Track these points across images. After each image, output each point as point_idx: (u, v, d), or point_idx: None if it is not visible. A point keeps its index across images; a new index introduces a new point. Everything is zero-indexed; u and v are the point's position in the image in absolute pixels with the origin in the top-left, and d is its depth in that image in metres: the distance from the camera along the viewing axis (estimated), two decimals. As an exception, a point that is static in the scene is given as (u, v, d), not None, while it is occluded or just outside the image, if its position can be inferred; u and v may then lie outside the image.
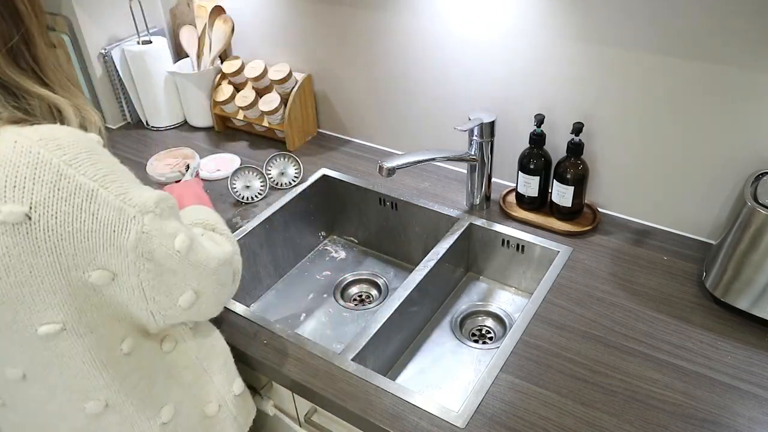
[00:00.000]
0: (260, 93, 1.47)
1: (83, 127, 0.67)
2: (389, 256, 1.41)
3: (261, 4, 1.45)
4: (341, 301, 1.29)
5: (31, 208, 0.57)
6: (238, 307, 1.04)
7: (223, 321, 1.01)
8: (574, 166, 1.12)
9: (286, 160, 1.38)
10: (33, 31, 0.64)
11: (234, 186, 1.31)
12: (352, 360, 0.94)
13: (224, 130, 1.60)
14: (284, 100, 1.44)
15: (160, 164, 1.42)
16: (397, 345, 1.10)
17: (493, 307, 1.23)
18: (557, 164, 1.14)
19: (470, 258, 1.28)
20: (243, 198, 1.31)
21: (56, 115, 0.65)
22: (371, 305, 1.29)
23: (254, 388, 1.04)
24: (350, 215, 1.42)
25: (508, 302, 1.24)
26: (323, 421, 0.99)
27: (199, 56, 1.54)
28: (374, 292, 1.33)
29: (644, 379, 0.88)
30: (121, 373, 0.72)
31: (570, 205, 1.15)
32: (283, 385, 0.97)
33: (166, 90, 1.56)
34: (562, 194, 1.15)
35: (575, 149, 1.11)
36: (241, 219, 1.26)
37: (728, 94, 0.98)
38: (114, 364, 0.71)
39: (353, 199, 1.38)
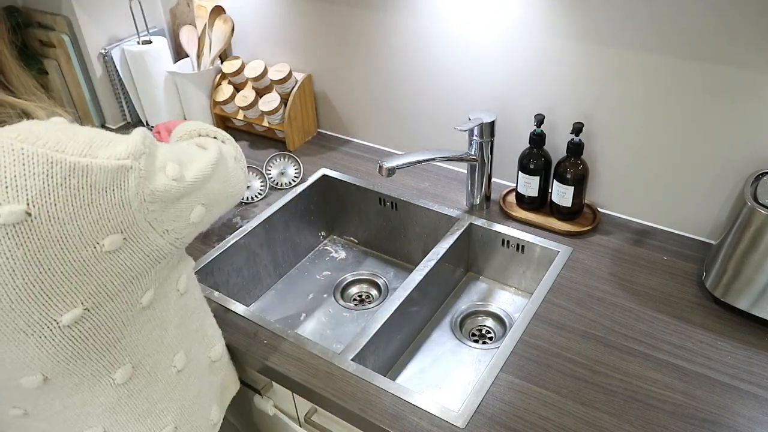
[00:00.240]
0: (260, 93, 1.47)
1: None
2: (389, 256, 1.41)
3: (261, 4, 1.45)
4: (341, 301, 1.29)
5: (28, 204, 0.57)
6: (238, 307, 1.04)
7: (223, 321, 1.01)
8: (574, 166, 1.12)
9: (286, 160, 1.38)
10: None
11: (234, 186, 1.31)
12: (352, 360, 0.94)
13: (224, 130, 1.59)
14: (284, 100, 1.44)
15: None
16: (397, 345, 1.10)
17: (493, 307, 1.23)
18: (557, 164, 1.14)
19: (470, 258, 1.28)
20: (243, 198, 1.31)
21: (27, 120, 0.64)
22: (371, 305, 1.29)
23: (254, 388, 1.04)
24: (350, 215, 1.42)
25: (508, 302, 1.24)
26: (323, 421, 0.99)
27: (199, 56, 1.54)
28: (374, 292, 1.33)
29: (644, 379, 0.88)
30: (136, 326, 0.71)
31: (570, 205, 1.15)
32: (283, 385, 0.97)
33: (166, 90, 1.56)
34: (562, 194, 1.15)
35: (575, 149, 1.11)
36: (241, 219, 1.26)
37: (728, 94, 0.98)
38: (131, 320, 0.70)
39: (353, 199, 1.38)
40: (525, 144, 1.16)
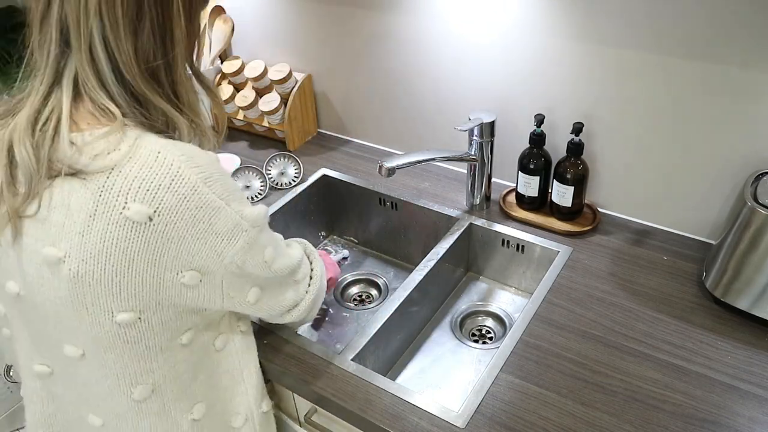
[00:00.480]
0: (260, 93, 1.47)
1: (193, 142, 0.71)
2: (389, 256, 1.41)
3: (261, 4, 1.45)
4: (341, 301, 1.29)
5: (155, 212, 0.62)
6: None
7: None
8: (574, 166, 1.12)
9: (286, 160, 1.38)
10: (178, 58, 0.68)
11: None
12: (352, 360, 0.94)
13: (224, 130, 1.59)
14: (284, 100, 1.44)
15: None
16: (397, 345, 1.10)
17: (493, 307, 1.23)
18: (557, 164, 1.14)
19: (470, 258, 1.28)
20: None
21: (171, 129, 0.69)
22: (371, 305, 1.29)
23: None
24: (350, 215, 1.42)
25: (508, 302, 1.24)
26: (323, 421, 0.99)
27: (198, 56, 1.54)
28: (374, 292, 1.33)
29: (644, 379, 0.88)
30: (171, 360, 0.74)
31: (570, 205, 1.15)
32: (283, 385, 0.97)
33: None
34: (562, 194, 1.15)
35: (575, 149, 1.11)
36: (241, 219, 1.26)
37: (728, 94, 0.98)
38: (169, 350, 0.73)
39: (353, 199, 1.38)
40: (525, 144, 1.16)
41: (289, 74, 1.42)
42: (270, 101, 1.43)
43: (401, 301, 1.05)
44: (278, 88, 1.44)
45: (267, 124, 1.48)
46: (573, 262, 1.10)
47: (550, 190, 1.19)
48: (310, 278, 0.89)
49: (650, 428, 0.82)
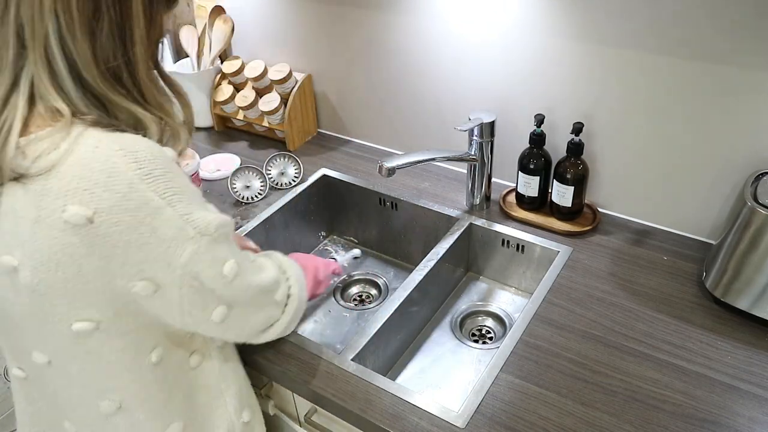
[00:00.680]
0: (260, 93, 1.47)
1: (161, 142, 0.68)
2: (389, 256, 1.41)
3: (261, 4, 1.45)
4: (341, 301, 1.29)
5: (95, 213, 0.59)
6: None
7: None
8: (574, 166, 1.12)
9: (286, 160, 1.38)
10: (138, 58, 0.65)
11: (234, 186, 1.31)
12: (352, 360, 0.94)
13: (224, 130, 1.60)
14: (284, 100, 1.44)
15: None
16: (397, 345, 1.10)
17: (493, 307, 1.23)
18: (557, 164, 1.14)
19: (470, 258, 1.28)
20: (243, 198, 1.31)
21: (140, 129, 0.66)
22: (371, 305, 1.29)
23: (255, 387, 1.04)
24: (350, 215, 1.42)
25: (508, 302, 1.24)
26: (323, 421, 0.99)
27: (199, 56, 1.54)
28: (374, 292, 1.33)
29: (644, 379, 0.88)
30: (141, 381, 0.73)
31: (570, 205, 1.15)
32: (283, 385, 0.97)
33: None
34: (562, 194, 1.15)
35: (575, 149, 1.11)
36: (241, 219, 1.26)
37: (728, 94, 0.98)
38: (137, 370, 0.71)
39: (353, 199, 1.38)
40: (525, 144, 1.16)
41: (289, 74, 1.42)
42: (270, 101, 1.43)
43: (401, 301, 1.05)
44: (278, 88, 1.44)
45: (267, 124, 1.48)
46: (573, 262, 1.10)
47: (550, 190, 1.19)
48: (288, 296, 0.83)
49: (650, 428, 0.82)
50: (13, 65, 0.62)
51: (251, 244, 1.02)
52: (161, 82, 0.72)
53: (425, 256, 1.14)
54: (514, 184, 1.22)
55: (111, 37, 0.63)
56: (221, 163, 1.42)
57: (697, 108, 1.02)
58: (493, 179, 1.28)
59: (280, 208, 1.30)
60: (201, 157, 1.44)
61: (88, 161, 0.60)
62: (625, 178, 1.16)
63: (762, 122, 0.98)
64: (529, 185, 1.18)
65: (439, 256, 1.14)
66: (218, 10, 1.50)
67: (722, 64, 0.96)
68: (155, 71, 0.70)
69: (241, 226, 1.24)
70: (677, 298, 1.02)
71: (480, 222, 1.22)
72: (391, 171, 1.06)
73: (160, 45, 0.71)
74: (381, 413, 0.86)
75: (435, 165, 1.38)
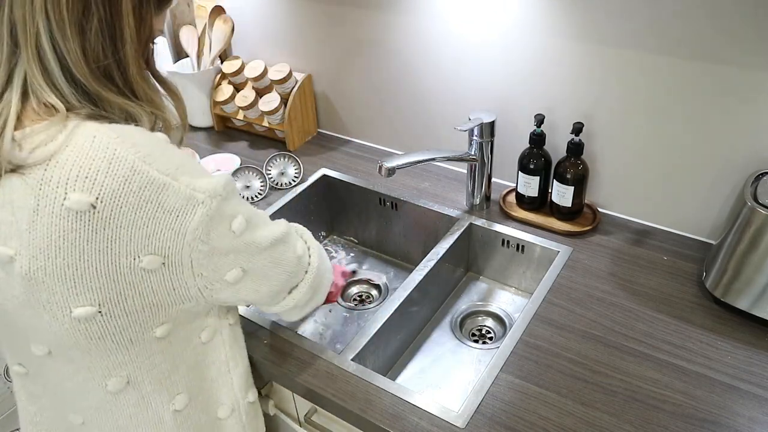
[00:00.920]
0: (260, 93, 1.47)
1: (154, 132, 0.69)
2: (389, 256, 1.41)
3: (261, 4, 1.45)
4: (341, 301, 1.29)
5: (97, 198, 0.60)
6: (238, 307, 1.04)
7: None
8: (574, 166, 1.12)
9: (286, 160, 1.38)
10: (129, 57, 0.66)
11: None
12: (352, 360, 0.94)
13: (224, 130, 1.60)
14: (284, 100, 1.44)
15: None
16: (397, 345, 1.10)
17: (493, 307, 1.23)
18: (557, 164, 1.14)
19: (470, 258, 1.28)
20: (243, 198, 1.31)
21: (131, 121, 0.68)
22: (371, 305, 1.29)
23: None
24: (350, 215, 1.42)
25: (508, 302, 1.24)
26: (323, 421, 0.99)
27: (199, 56, 1.54)
28: (374, 292, 1.33)
29: (644, 379, 0.88)
30: (145, 352, 0.73)
31: (570, 205, 1.15)
32: (283, 384, 0.97)
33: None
34: (562, 194, 1.15)
35: (575, 149, 1.11)
36: (241, 219, 1.26)
37: (728, 94, 0.98)
38: (141, 343, 0.72)
39: (353, 199, 1.38)
40: (525, 144, 1.16)
41: (289, 74, 1.42)
42: (270, 101, 1.43)
43: (401, 301, 1.05)
44: (278, 88, 1.44)
45: (267, 124, 1.48)
46: (573, 262, 1.10)
47: (550, 190, 1.19)
48: (309, 258, 0.84)
49: (650, 428, 0.82)
50: (6, 62, 0.63)
51: None
52: (153, 81, 0.72)
53: (425, 256, 1.14)
54: (514, 184, 1.22)
55: (101, 36, 0.63)
56: (221, 163, 1.42)
57: (697, 108, 1.02)
58: (493, 179, 1.28)
59: (280, 208, 1.30)
60: (201, 157, 1.45)
61: (87, 150, 0.61)
62: (625, 178, 1.16)
63: (762, 122, 0.98)
64: (529, 185, 1.18)
65: (439, 256, 1.14)
66: (218, 10, 1.50)
67: (722, 64, 0.96)
68: (147, 70, 0.71)
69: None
70: (677, 298, 1.02)
71: (480, 222, 1.22)
72: (391, 171, 1.06)
73: (152, 45, 0.71)
74: (381, 413, 0.86)
75: (435, 165, 1.38)
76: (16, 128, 0.62)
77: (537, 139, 1.14)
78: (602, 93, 1.09)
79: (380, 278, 1.34)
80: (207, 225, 0.66)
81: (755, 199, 0.90)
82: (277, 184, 1.36)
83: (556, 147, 1.16)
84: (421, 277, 1.10)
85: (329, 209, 1.44)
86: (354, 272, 1.33)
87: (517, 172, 1.19)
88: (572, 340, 0.95)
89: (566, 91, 1.13)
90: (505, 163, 1.28)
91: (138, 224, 0.62)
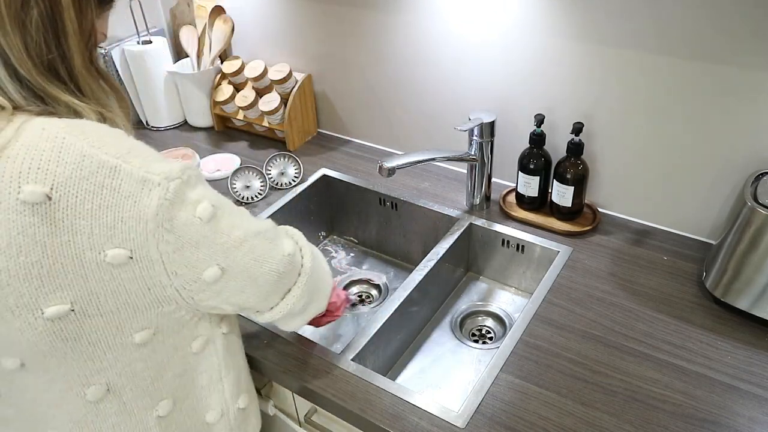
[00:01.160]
0: (260, 93, 1.47)
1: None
2: (389, 256, 1.41)
3: (261, 4, 1.45)
4: (341, 301, 1.29)
5: (51, 188, 0.59)
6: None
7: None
8: (574, 166, 1.12)
9: (286, 160, 1.38)
10: (73, 50, 0.65)
11: (234, 186, 1.31)
12: (352, 360, 0.94)
13: (224, 130, 1.60)
14: (284, 100, 1.44)
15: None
16: (397, 345, 1.10)
17: (493, 307, 1.23)
18: (557, 164, 1.14)
19: (470, 258, 1.28)
20: (243, 198, 1.31)
21: (77, 118, 0.66)
22: (371, 305, 1.29)
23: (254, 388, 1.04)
24: (350, 215, 1.42)
25: (508, 302, 1.24)
26: (323, 421, 0.99)
27: (199, 56, 1.54)
28: (374, 292, 1.33)
29: (644, 379, 0.88)
30: (124, 358, 0.71)
31: (570, 205, 1.15)
32: (283, 385, 0.97)
33: (166, 90, 1.56)
34: (562, 194, 1.15)
35: (575, 149, 1.11)
36: (241, 219, 1.26)
37: (728, 94, 0.98)
38: (118, 348, 0.69)
39: (353, 199, 1.38)
40: (525, 144, 1.16)
41: (289, 74, 1.42)
42: (270, 101, 1.43)
43: (401, 301, 1.05)
44: (278, 88, 1.44)
45: (267, 124, 1.48)
46: (573, 262, 1.10)
47: (550, 190, 1.19)
48: (301, 259, 0.80)
49: (650, 428, 0.82)
50: None
51: None
52: (98, 77, 0.71)
53: (425, 256, 1.14)
54: (514, 184, 1.22)
55: (42, 29, 0.62)
56: (221, 163, 1.42)
57: (697, 108, 1.02)
58: (493, 179, 1.28)
59: (280, 208, 1.30)
60: (201, 157, 1.45)
61: (36, 142, 0.60)
62: (625, 178, 1.16)
63: (762, 122, 0.98)
64: (529, 185, 1.18)
65: (439, 256, 1.14)
66: (218, 10, 1.50)
67: (722, 64, 0.96)
68: (92, 66, 0.69)
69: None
70: (677, 298, 1.02)
71: (480, 222, 1.22)
72: (391, 171, 1.06)
73: (94, 45, 0.70)
74: (381, 413, 0.86)
75: (435, 165, 1.38)
76: None
77: (537, 139, 1.14)
78: (602, 93, 1.09)
79: (380, 278, 1.34)
80: (168, 210, 0.62)
81: (755, 199, 0.90)
82: (277, 184, 1.36)
83: (556, 147, 1.16)
84: (421, 277, 1.10)
85: (329, 209, 1.44)
86: (354, 305, 1.29)
87: (517, 172, 1.19)
88: (572, 340, 0.95)
89: (566, 91, 1.13)
90: (505, 163, 1.28)
91: (96, 213, 0.60)
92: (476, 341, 1.17)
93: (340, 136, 1.54)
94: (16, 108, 0.62)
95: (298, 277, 0.80)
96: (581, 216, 1.19)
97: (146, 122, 1.61)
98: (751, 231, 0.90)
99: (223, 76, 1.51)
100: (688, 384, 0.88)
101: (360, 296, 1.32)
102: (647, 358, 0.92)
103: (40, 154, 0.59)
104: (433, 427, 0.83)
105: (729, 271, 0.95)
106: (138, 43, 1.51)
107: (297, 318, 0.84)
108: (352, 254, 1.43)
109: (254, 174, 1.34)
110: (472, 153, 1.17)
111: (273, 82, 1.43)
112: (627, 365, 0.91)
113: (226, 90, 1.49)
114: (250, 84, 1.48)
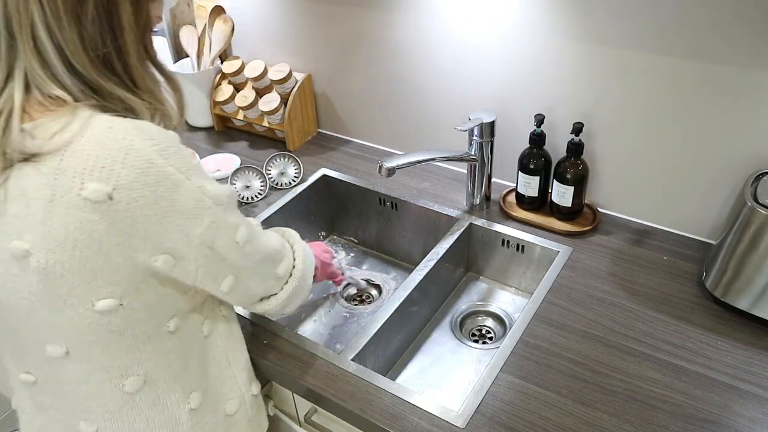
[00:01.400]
0: (260, 93, 1.47)
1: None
2: (389, 256, 1.41)
3: (261, 4, 1.45)
4: (341, 301, 1.29)
5: (114, 189, 0.60)
6: (238, 308, 1.04)
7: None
8: (574, 166, 1.12)
9: (286, 160, 1.38)
10: (129, 44, 0.66)
11: (234, 186, 1.31)
12: (352, 360, 0.94)
13: (224, 130, 1.60)
14: (284, 100, 1.44)
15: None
16: (397, 345, 1.10)
17: (493, 307, 1.23)
18: (557, 164, 1.14)
19: (470, 258, 1.28)
20: (243, 198, 1.31)
21: (131, 113, 0.67)
22: (371, 305, 1.29)
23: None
24: (350, 215, 1.42)
25: (508, 302, 1.24)
26: (323, 421, 0.99)
27: (199, 56, 1.54)
28: (374, 292, 1.33)
29: (644, 379, 0.88)
30: (162, 349, 0.74)
31: (570, 205, 1.15)
32: (283, 385, 0.97)
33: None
34: (562, 194, 1.15)
35: (575, 149, 1.11)
36: (241, 219, 1.26)
37: (728, 94, 0.98)
38: (157, 338, 0.72)
39: (353, 199, 1.38)
40: (525, 144, 1.16)
41: (289, 74, 1.42)
42: (270, 101, 1.43)
43: (401, 301, 1.05)
44: (278, 88, 1.44)
45: (267, 124, 1.48)
46: (573, 262, 1.10)
47: (550, 190, 1.19)
48: (293, 267, 0.88)
49: (650, 428, 0.82)
50: (5, 57, 0.62)
51: None
52: (153, 71, 0.72)
53: (425, 256, 1.14)
54: (514, 184, 1.22)
55: (98, 23, 0.63)
56: (221, 163, 1.42)
57: (696, 108, 1.02)
58: (493, 179, 1.28)
59: (280, 208, 1.30)
60: (201, 157, 1.45)
61: (103, 139, 0.60)
62: (625, 178, 1.16)
63: (762, 122, 0.98)
64: (529, 185, 1.18)
65: (439, 256, 1.14)
66: (218, 10, 1.50)
67: (722, 64, 0.96)
68: (147, 59, 0.70)
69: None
70: (677, 298, 1.02)
71: (480, 222, 1.22)
72: (391, 171, 1.06)
73: (150, 32, 0.70)
74: (381, 413, 0.86)
75: (435, 165, 1.38)
76: (25, 120, 0.62)
77: (537, 139, 1.14)
78: (602, 93, 1.09)
79: (380, 278, 1.34)
80: (213, 232, 0.68)
81: (755, 199, 0.90)
82: (277, 184, 1.36)
83: (556, 147, 1.16)
84: (421, 277, 1.10)
85: (329, 209, 1.44)
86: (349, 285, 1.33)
87: (517, 172, 1.19)
88: (572, 340, 0.95)
89: (566, 91, 1.13)
90: (505, 163, 1.28)
91: (153, 220, 0.63)
92: (476, 341, 1.17)
93: (340, 136, 1.54)
94: (75, 100, 0.63)
95: (285, 285, 0.87)
96: (581, 216, 1.19)
97: (146, 122, 1.61)
98: (751, 231, 0.90)
99: (223, 76, 1.51)
100: (688, 384, 0.88)
101: (360, 296, 1.32)
102: (647, 358, 0.92)
103: (107, 153, 0.60)
104: (433, 427, 0.83)
105: (729, 271, 0.95)
106: (138, 43, 1.50)
107: (278, 313, 0.91)
108: (352, 254, 1.43)
109: (254, 174, 1.34)
110: (472, 153, 1.17)
111: (273, 82, 1.43)
112: (627, 365, 0.91)
113: (226, 90, 1.49)
114: (250, 84, 1.48)
